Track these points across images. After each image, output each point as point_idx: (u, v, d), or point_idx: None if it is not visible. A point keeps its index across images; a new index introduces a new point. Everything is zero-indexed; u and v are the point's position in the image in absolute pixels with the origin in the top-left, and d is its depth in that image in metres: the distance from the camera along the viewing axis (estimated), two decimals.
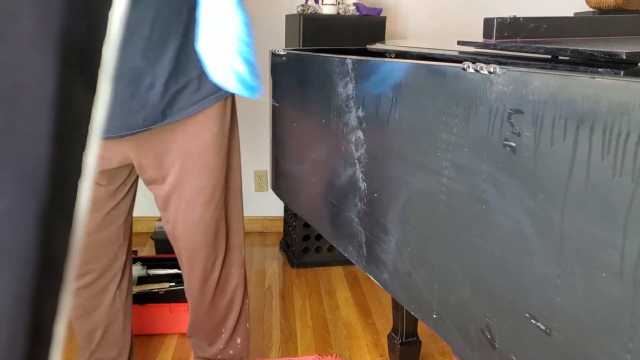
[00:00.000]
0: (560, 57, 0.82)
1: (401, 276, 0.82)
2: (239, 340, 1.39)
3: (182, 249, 1.24)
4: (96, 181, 1.14)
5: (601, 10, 1.40)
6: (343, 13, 2.43)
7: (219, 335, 1.37)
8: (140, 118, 1.03)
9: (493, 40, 0.84)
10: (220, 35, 0.78)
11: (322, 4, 2.39)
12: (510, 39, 0.84)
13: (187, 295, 1.37)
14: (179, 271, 1.95)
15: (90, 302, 1.26)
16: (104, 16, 0.25)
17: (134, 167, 1.17)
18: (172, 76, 1.02)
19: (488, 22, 0.84)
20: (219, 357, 1.39)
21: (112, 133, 1.04)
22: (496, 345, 0.64)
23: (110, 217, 1.20)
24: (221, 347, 1.38)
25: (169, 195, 1.17)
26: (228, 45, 0.78)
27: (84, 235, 1.27)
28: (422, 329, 1.66)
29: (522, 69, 0.59)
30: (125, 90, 0.99)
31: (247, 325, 1.42)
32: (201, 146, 1.13)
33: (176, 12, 1.00)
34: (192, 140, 1.11)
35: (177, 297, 1.81)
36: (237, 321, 1.37)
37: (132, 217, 1.29)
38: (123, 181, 1.19)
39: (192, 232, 1.20)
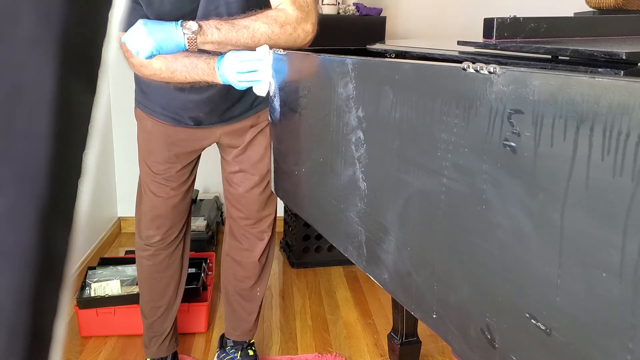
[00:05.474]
0: (560, 57, 0.82)
1: (401, 276, 0.82)
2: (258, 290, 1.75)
3: (242, 210, 1.64)
4: (184, 163, 1.57)
5: (601, 10, 1.40)
6: (343, 13, 2.43)
7: (254, 294, 1.73)
8: (230, 114, 1.51)
9: (493, 40, 0.84)
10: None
11: (322, 4, 2.39)
12: (510, 39, 0.84)
13: (229, 253, 1.71)
14: None
15: (170, 257, 1.65)
16: (104, 16, 0.25)
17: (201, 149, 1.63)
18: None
19: (488, 22, 0.84)
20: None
21: (210, 123, 1.52)
22: (496, 345, 0.64)
23: (189, 189, 1.63)
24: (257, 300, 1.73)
25: (241, 165, 1.59)
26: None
27: (173, 206, 1.49)
28: (422, 329, 1.66)
29: (522, 69, 0.59)
30: (222, 97, 1.46)
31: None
32: (264, 132, 1.56)
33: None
34: (259, 127, 1.56)
35: None
36: (263, 270, 1.73)
37: None
38: (194, 159, 1.61)
39: (252, 197, 1.62)
